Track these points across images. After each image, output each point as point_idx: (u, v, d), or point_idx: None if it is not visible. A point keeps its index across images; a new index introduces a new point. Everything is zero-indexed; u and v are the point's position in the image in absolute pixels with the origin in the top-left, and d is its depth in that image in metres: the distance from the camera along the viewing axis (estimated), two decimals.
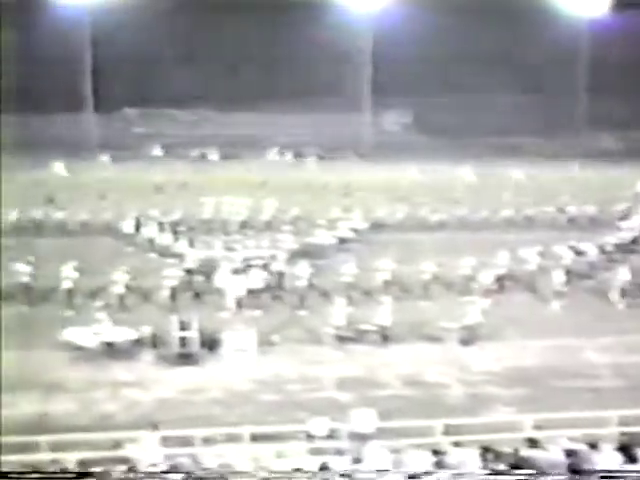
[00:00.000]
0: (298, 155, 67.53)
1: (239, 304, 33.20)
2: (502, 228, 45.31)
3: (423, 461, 14.26)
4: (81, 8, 71.29)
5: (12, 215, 44.74)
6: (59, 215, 45.40)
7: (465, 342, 30.04)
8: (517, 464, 13.15)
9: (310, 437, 21.25)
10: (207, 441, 21.34)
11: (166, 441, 21.27)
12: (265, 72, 72.99)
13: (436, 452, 15.49)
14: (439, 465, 13.88)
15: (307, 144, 67.89)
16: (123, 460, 19.48)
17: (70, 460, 19.98)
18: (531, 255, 37.75)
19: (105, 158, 64.96)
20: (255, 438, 21.01)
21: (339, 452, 18.66)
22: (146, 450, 20.03)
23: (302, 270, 35.44)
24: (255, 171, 58.41)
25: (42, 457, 20.33)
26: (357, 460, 15.31)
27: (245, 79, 72.18)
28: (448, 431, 21.46)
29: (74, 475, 14.03)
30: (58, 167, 59.80)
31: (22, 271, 34.91)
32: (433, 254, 37.71)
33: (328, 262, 38.52)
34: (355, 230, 43.88)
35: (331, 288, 34.60)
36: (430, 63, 70.40)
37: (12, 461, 19.13)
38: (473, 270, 36.00)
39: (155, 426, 20.99)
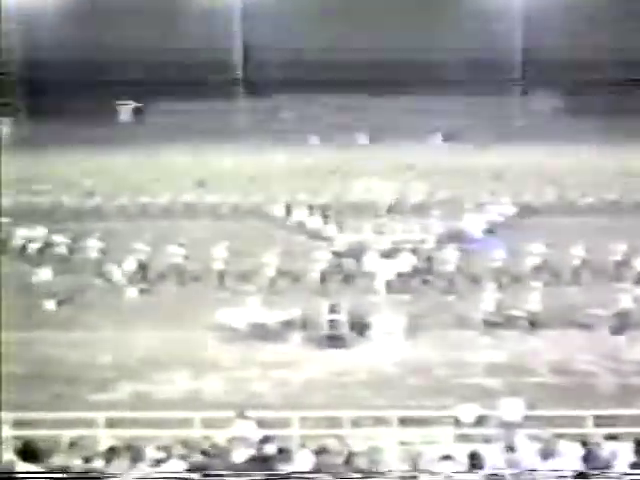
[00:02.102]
0: (447, 138, 67.11)
1: (388, 288, 33.34)
2: None
3: (572, 452, 14.11)
4: None
5: (164, 199, 46.09)
6: (210, 198, 46.43)
7: (616, 330, 29.40)
8: None
9: (458, 423, 21.23)
10: (355, 424, 21.54)
11: (314, 422, 21.56)
12: (413, 55, 72.69)
13: (585, 444, 15.29)
14: (588, 457, 13.72)
15: (456, 127, 67.34)
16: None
17: (221, 436, 20.41)
18: None
19: (256, 142, 65.86)
20: (403, 422, 21.11)
21: (487, 440, 18.57)
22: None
23: (451, 254, 35.33)
24: (404, 154, 58.29)
25: (195, 433, 20.86)
26: (506, 449, 15.26)
27: (393, 62, 72.05)
28: (598, 422, 21.07)
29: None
30: (209, 152, 61.00)
31: (175, 253, 35.98)
32: (583, 239, 36.97)
33: (477, 247, 38.23)
34: (504, 214, 43.43)
35: (480, 273, 34.39)
36: (580, 43, 68.85)
37: (167, 436, 19.71)
38: (625, 256, 35.18)
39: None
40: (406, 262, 34.81)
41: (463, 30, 70.52)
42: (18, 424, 21.19)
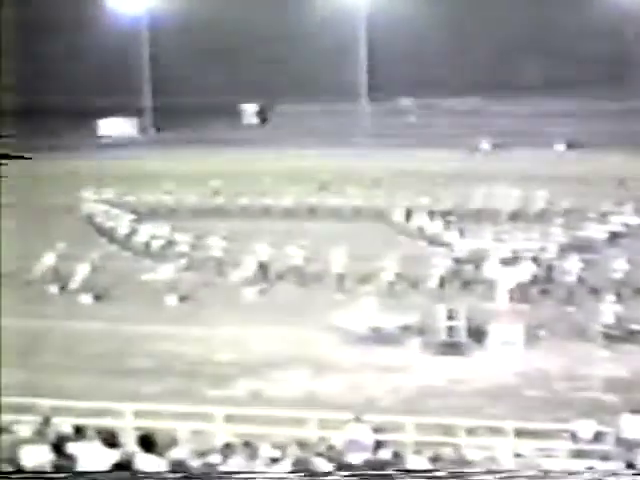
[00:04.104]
0: (570, 145, 66.08)
1: (507, 296, 32.96)
2: None
3: None
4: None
5: (287, 200, 46.57)
6: (332, 201, 46.69)
7: None
8: None
9: (575, 438, 20.85)
10: (470, 432, 21.37)
11: (429, 429, 21.48)
12: (539, 60, 71.73)
13: None
14: None
15: (581, 134, 66.19)
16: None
17: (336, 438, 20.47)
18: None
19: (379, 146, 65.75)
20: (519, 433, 20.86)
21: (605, 457, 18.20)
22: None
23: (572, 264, 34.78)
24: (526, 161, 57.64)
25: (310, 433, 20.98)
26: (628, 467, 14.94)
27: (518, 67, 71.27)
28: None
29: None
30: (332, 154, 61.12)
31: (295, 254, 36.32)
32: None
33: (598, 257, 37.51)
34: (627, 224, 42.50)
35: (601, 284, 33.73)
36: None
37: (280, 434, 19.91)
38: None
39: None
40: (526, 271, 34.34)
41: (591, 32, 69.34)
42: (139, 415, 21.72)
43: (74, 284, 35.54)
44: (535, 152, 62.18)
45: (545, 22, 72.33)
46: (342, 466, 16.34)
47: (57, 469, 15.71)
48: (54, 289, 35.53)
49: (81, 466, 15.87)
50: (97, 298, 34.61)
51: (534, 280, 34.15)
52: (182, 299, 34.31)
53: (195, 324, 31.47)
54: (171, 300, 34.07)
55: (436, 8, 72.39)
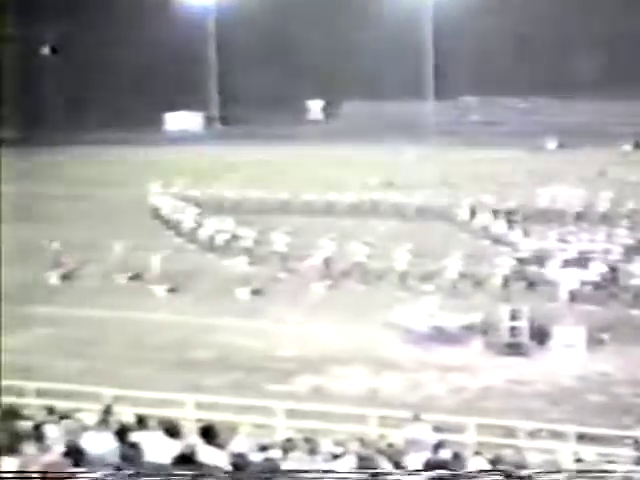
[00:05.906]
0: (638, 146, 65.26)
1: (571, 298, 32.70)
2: None
3: None
4: None
5: (351, 197, 46.65)
6: (396, 198, 46.64)
7: None
8: None
9: (637, 445, 20.63)
10: (531, 435, 21.28)
11: (489, 430, 21.43)
12: (606, 58, 70.91)
13: None
14: None
15: None
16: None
17: (396, 436, 20.49)
18: None
19: (444, 144, 65.54)
20: (580, 438, 20.72)
21: None
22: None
23: (637, 267, 34.34)
24: (592, 161, 57.03)
25: (370, 431, 21.04)
26: None
27: (584, 66, 70.56)
28: None
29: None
30: (397, 151, 61.13)
31: (358, 251, 36.38)
32: None
33: None
34: None
35: None
36: None
37: (341, 430, 19.99)
38: None
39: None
40: (591, 272, 34.01)
41: None
42: (200, 407, 21.97)
43: (142, 275, 36.08)
44: (601, 152, 61.48)
45: (610, 20, 71.50)
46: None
47: (122, 458, 15.94)
48: (122, 280, 36.09)
49: (146, 456, 16.09)
50: (164, 290, 35.05)
51: (598, 282, 33.80)
52: (247, 293, 34.56)
53: (259, 318, 31.73)
54: (240, 293, 34.33)
55: (500, 7, 71.99)
